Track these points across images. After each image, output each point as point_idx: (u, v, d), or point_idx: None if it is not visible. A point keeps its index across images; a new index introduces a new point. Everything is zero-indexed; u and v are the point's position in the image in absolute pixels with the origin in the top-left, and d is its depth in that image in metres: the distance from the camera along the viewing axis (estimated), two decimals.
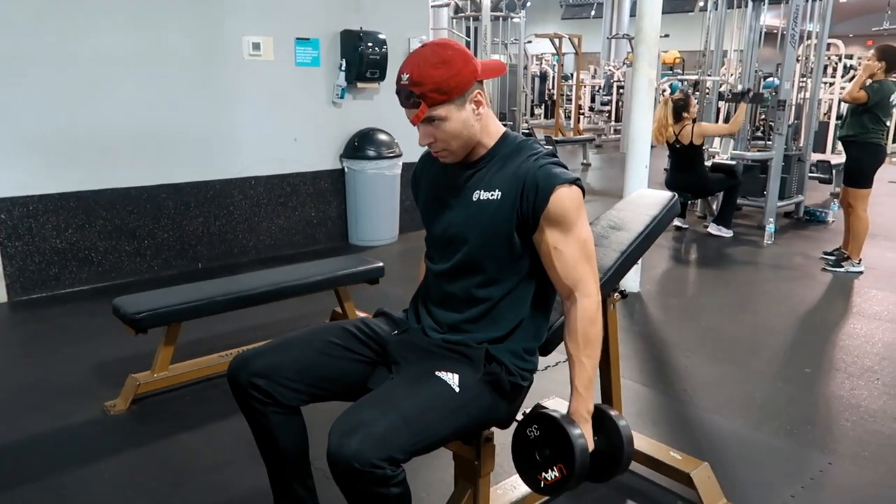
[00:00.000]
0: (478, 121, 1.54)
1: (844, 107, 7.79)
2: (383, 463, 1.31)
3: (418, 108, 1.47)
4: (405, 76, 1.48)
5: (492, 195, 1.55)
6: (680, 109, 5.67)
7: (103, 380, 2.90)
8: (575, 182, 1.53)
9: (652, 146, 4.30)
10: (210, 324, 3.02)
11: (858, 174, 4.69)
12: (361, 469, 1.29)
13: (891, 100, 4.59)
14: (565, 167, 1.57)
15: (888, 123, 4.74)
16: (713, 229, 5.77)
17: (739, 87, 6.40)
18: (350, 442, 1.30)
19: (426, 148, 1.60)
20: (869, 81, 4.59)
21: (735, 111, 6.16)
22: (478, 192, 1.57)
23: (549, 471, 1.50)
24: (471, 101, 1.51)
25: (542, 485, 1.52)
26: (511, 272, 1.59)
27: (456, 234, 1.60)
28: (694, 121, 5.72)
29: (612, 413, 1.61)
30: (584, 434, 1.48)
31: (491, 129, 1.59)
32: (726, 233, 5.75)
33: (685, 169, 5.82)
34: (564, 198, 1.50)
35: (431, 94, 1.46)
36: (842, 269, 4.75)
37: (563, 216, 1.51)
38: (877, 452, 2.45)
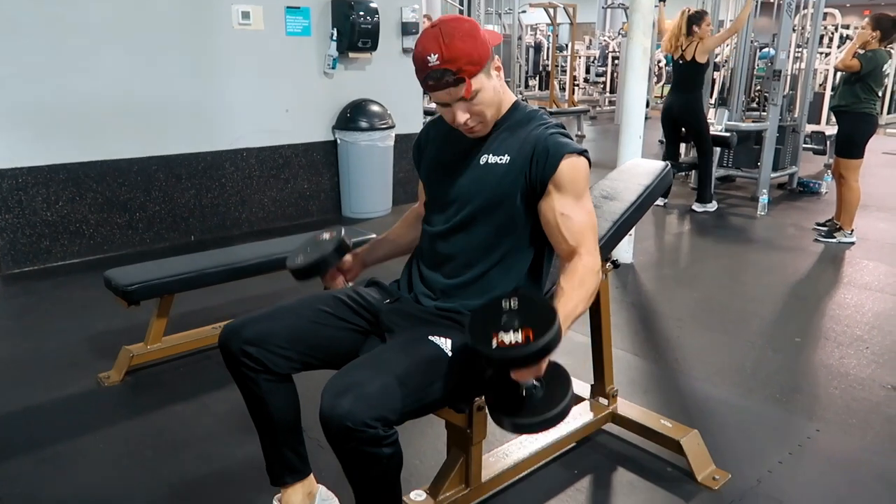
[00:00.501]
0: (502, 85, 1.56)
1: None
2: (375, 423, 1.32)
3: (458, 86, 1.45)
4: (433, 56, 1.42)
5: (500, 159, 1.56)
6: (691, 22, 5.46)
7: (97, 352, 2.90)
8: (583, 153, 1.56)
9: (648, 107, 4.27)
10: (203, 296, 3.01)
11: (850, 144, 4.68)
12: (353, 428, 1.30)
13: (883, 69, 4.56)
14: (572, 139, 1.59)
15: (880, 93, 4.71)
16: (697, 207, 5.72)
17: None
18: (342, 402, 1.31)
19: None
20: (862, 51, 4.56)
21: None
22: (486, 156, 1.58)
23: (511, 333, 1.30)
24: (493, 68, 1.52)
25: (493, 345, 1.30)
26: (508, 239, 1.60)
27: (459, 196, 1.61)
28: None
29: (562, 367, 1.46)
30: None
31: (505, 97, 1.61)
32: (710, 207, 5.71)
33: (682, 88, 5.64)
34: (574, 166, 1.53)
35: (468, 68, 1.44)
36: (834, 240, 4.77)
37: (571, 183, 1.53)
38: (864, 419, 2.48)
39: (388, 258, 1.94)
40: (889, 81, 12.28)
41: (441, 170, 1.67)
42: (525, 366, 1.32)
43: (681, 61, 5.59)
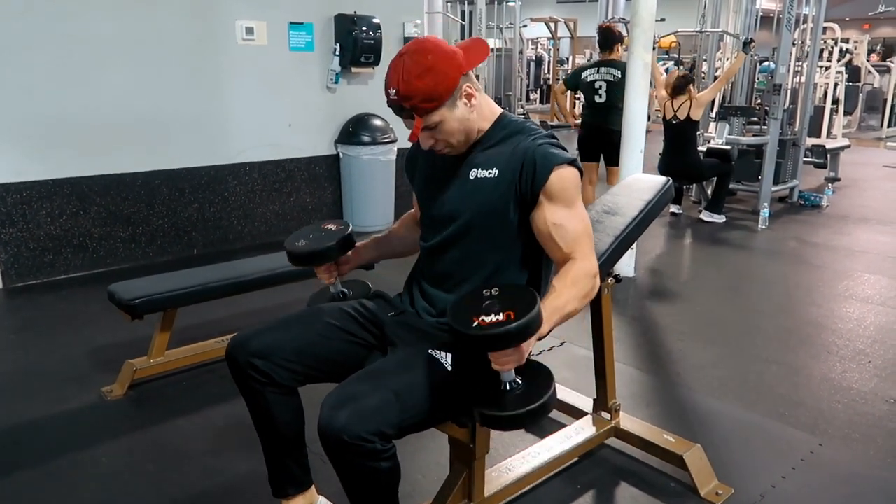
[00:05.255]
0: (472, 112, 1.55)
1: (841, 91, 7.74)
2: (373, 437, 1.32)
3: (414, 119, 1.50)
4: (392, 91, 1.49)
5: (489, 173, 1.57)
6: (684, 85, 5.53)
7: (100, 366, 2.91)
8: (573, 163, 1.55)
9: (648, 131, 4.30)
10: (206, 309, 3.02)
11: None
12: (350, 442, 1.31)
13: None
14: (564, 149, 1.59)
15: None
16: (705, 216, 5.77)
17: (743, 38, 6.28)
18: (340, 414, 1.32)
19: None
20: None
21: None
22: (475, 170, 1.59)
23: (493, 315, 1.29)
24: (462, 96, 1.52)
25: (473, 325, 1.29)
26: (503, 253, 1.61)
27: (451, 212, 1.62)
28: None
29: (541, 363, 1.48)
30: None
31: (486, 113, 1.60)
32: (718, 218, 5.74)
33: (678, 151, 5.62)
34: (564, 177, 1.53)
35: (422, 105, 1.47)
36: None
37: (562, 192, 1.53)
38: (867, 434, 2.48)
39: (384, 258, 1.97)
40: (889, 96, 12.34)
41: (432, 185, 1.68)
42: (505, 346, 1.30)
43: (674, 121, 5.56)
